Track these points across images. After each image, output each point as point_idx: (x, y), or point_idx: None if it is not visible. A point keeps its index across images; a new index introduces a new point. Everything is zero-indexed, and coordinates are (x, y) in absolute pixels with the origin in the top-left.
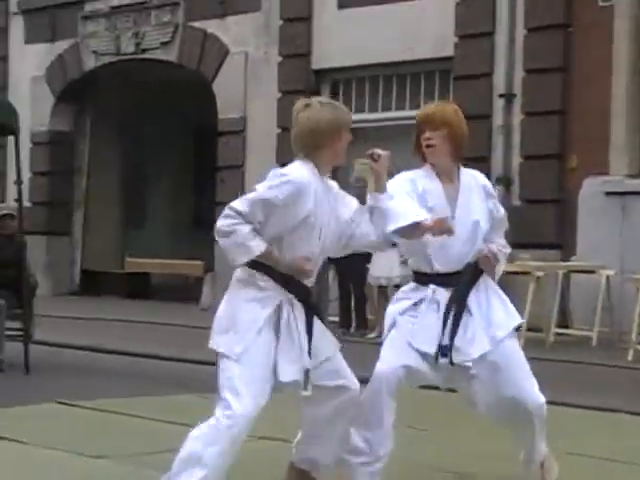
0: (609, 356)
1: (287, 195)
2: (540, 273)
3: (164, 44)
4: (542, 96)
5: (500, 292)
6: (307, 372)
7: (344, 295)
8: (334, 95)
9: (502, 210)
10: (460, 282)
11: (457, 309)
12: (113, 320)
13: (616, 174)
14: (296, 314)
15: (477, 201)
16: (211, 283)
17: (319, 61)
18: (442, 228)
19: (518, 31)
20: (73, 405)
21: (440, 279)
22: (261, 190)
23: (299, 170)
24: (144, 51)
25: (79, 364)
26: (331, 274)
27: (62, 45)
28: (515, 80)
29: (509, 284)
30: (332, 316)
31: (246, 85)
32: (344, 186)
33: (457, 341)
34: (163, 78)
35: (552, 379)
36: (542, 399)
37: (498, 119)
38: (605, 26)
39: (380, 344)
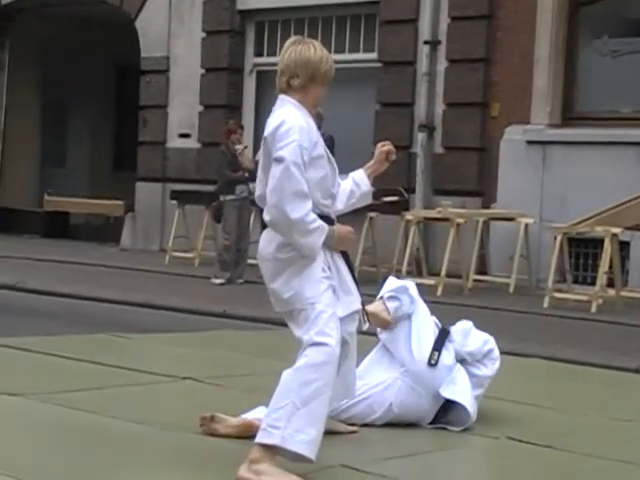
0: (526, 303)
1: (309, 144)
2: (460, 220)
3: None
4: (467, 44)
5: None
6: (363, 304)
7: None
8: (259, 37)
9: None
10: None
11: None
12: (31, 259)
13: (538, 123)
14: (336, 259)
15: None
16: (131, 224)
17: (244, 1)
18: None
19: None
20: None
21: None
22: (288, 156)
23: (294, 114)
24: None
25: None
26: (253, 215)
27: None
28: (440, 27)
29: (429, 230)
30: (252, 259)
31: (170, 24)
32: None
33: None
34: (85, 14)
35: None
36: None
37: (423, 66)
38: None
39: None
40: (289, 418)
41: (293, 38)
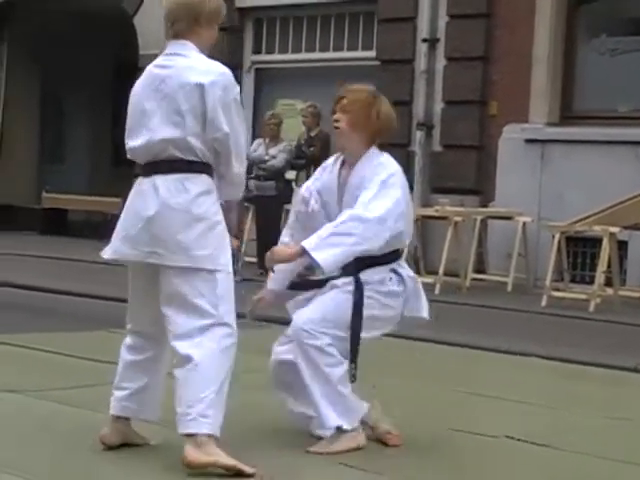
0: (524, 301)
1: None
2: (458, 218)
3: None
4: (465, 41)
5: None
6: None
7: (262, 235)
8: (257, 34)
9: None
10: None
11: None
12: (28, 256)
13: (536, 122)
14: None
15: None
16: None
17: None
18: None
19: None
20: None
21: None
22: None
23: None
24: None
25: None
26: (250, 214)
27: None
28: (439, 25)
29: (427, 228)
30: (250, 257)
31: None
32: None
33: None
34: (84, 10)
35: (467, 323)
36: None
37: (421, 64)
38: None
39: None
40: (214, 406)
41: None
